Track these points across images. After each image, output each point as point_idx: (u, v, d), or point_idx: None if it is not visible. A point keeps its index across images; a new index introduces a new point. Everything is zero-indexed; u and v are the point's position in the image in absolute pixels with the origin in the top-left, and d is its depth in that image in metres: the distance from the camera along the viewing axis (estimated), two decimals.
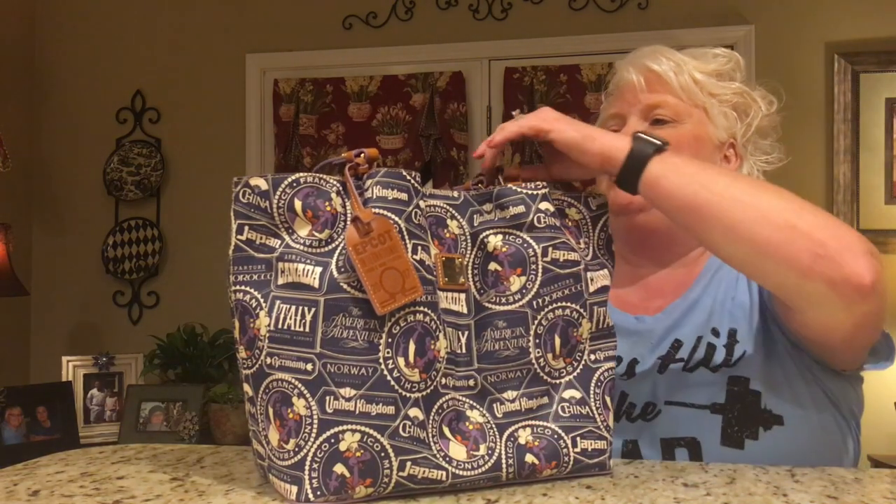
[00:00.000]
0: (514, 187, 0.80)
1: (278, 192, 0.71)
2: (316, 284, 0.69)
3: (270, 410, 0.69)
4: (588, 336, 0.81)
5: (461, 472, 0.71)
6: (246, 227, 0.71)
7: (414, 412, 0.70)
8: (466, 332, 0.76)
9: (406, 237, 0.72)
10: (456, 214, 0.79)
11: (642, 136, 0.84)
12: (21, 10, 3.36)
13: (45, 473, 0.80)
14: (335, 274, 0.70)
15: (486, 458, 0.73)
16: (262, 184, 0.71)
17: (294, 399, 0.68)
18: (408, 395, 0.70)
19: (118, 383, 2.89)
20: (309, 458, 0.67)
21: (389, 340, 0.70)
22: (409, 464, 0.69)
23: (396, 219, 0.72)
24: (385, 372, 0.69)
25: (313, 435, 0.68)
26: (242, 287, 0.71)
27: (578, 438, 0.78)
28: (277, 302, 0.69)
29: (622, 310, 1.04)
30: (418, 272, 0.71)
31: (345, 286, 0.69)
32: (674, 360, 0.98)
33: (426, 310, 0.71)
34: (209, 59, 3.27)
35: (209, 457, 0.88)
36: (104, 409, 2.86)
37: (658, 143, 0.83)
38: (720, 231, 0.80)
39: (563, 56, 2.98)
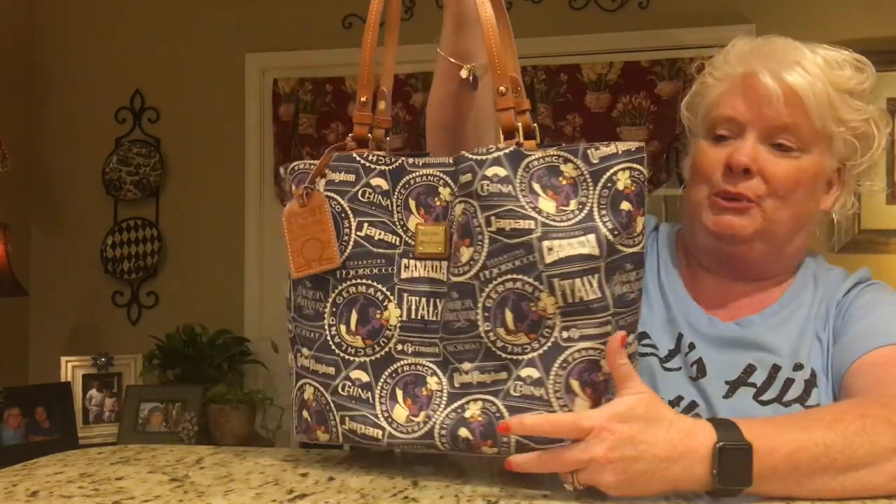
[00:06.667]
0: (465, 153, 0.76)
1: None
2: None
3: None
4: (556, 311, 0.72)
5: (397, 434, 0.77)
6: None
7: (357, 374, 0.79)
8: (442, 300, 0.77)
9: (350, 215, 0.80)
10: (449, 181, 0.79)
11: (721, 486, 0.69)
12: (20, 10, 3.35)
13: (43, 474, 0.80)
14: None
15: (421, 424, 0.76)
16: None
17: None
18: (351, 358, 0.79)
19: (117, 384, 2.88)
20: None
21: (333, 310, 0.80)
22: (347, 419, 0.79)
23: (339, 199, 0.80)
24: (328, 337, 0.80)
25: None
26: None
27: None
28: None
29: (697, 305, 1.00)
30: (361, 247, 0.79)
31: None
32: (745, 383, 0.94)
33: (370, 282, 0.79)
34: (209, 59, 3.26)
35: (208, 457, 0.88)
36: (103, 409, 2.85)
37: (742, 484, 0.69)
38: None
39: (563, 56, 2.97)
